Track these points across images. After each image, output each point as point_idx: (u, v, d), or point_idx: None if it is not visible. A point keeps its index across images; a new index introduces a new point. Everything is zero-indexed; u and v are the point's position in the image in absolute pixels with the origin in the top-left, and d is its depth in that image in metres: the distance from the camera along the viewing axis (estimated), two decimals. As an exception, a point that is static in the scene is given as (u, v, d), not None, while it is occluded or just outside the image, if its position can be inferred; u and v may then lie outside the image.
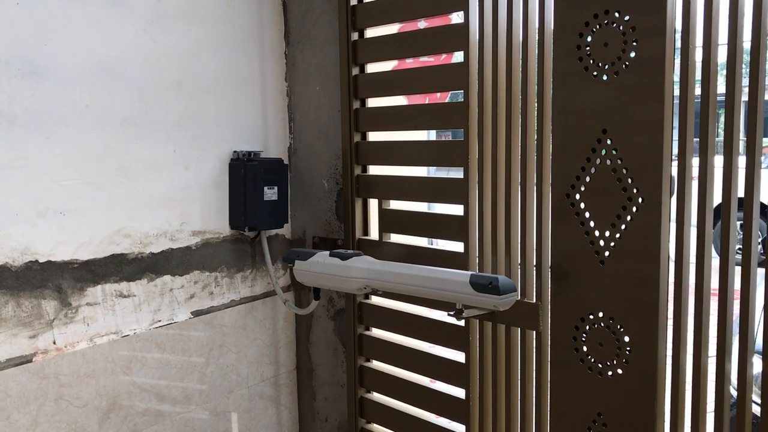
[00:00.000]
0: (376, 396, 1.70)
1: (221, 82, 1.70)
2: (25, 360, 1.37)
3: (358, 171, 1.66)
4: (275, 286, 1.81)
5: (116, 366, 1.52)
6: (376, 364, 1.69)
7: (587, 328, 1.23)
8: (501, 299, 1.16)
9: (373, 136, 1.65)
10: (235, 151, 1.73)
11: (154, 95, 1.56)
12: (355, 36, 1.62)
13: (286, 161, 1.85)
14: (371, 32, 1.62)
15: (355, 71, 1.63)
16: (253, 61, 1.77)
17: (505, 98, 1.31)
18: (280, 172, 1.75)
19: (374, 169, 1.66)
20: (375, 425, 1.71)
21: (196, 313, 1.68)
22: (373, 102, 1.65)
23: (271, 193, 1.73)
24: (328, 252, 1.46)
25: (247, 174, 1.69)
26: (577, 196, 1.22)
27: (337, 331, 1.78)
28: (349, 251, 1.43)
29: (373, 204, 1.67)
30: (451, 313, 1.24)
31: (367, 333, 1.69)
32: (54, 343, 1.41)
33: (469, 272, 1.23)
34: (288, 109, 1.87)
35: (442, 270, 1.28)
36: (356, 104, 1.64)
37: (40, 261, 1.39)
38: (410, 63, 1.64)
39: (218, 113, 1.70)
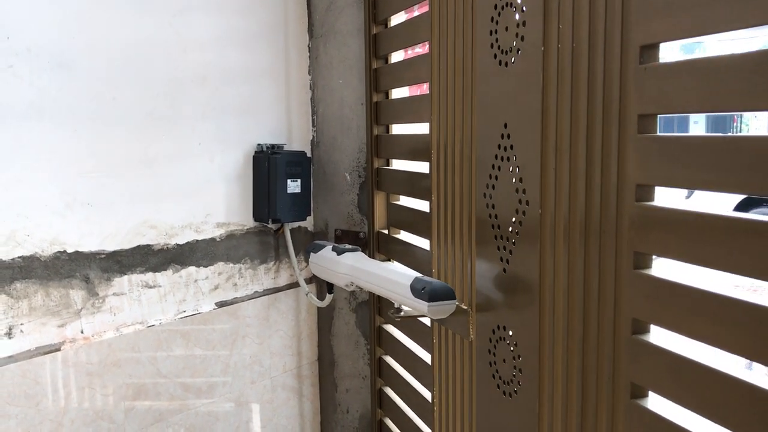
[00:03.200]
0: (388, 390, 1.70)
1: (245, 76, 1.71)
2: (54, 348, 1.39)
3: (378, 164, 1.66)
4: (298, 277, 1.83)
5: (142, 355, 1.54)
6: (387, 358, 1.70)
7: (497, 341, 1.11)
8: (429, 306, 1.10)
9: (397, 129, 1.65)
10: (258, 144, 1.74)
11: (179, 88, 1.58)
12: (375, 28, 1.62)
13: (309, 154, 1.86)
14: (393, 23, 1.61)
15: (376, 64, 1.63)
16: (277, 54, 1.78)
17: (453, 91, 1.23)
18: (303, 164, 1.76)
19: (396, 164, 1.66)
20: (388, 419, 1.71)
21: (220, 304, 1.70)
22: (396, 93, 1.64)
23: (294, 186, 1.74)
24: (331, 246, 1.47)
25: (270, 167, 1.70)
26: (491, 197, 1.11)
27: (358, 323, 1.79)
28: (347, 246, 1.42)
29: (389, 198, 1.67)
30: (392, 311, 1.21)
31: (384, 326, 1.69)
32: (81, 332, 1.44)
33: (415, 275, 1.17)
34: (311, 102, 1.87)
35: (395, 271, 1.23)
36: (376, 97, 1.64)
37: (68, 251, 1.41)
38: (409, 54, 1.63)
39: (242, 106, 1.71)
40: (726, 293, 0.68)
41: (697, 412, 0.72)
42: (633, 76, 0.78)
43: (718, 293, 0.69)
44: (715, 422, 0.70)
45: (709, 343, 0.70)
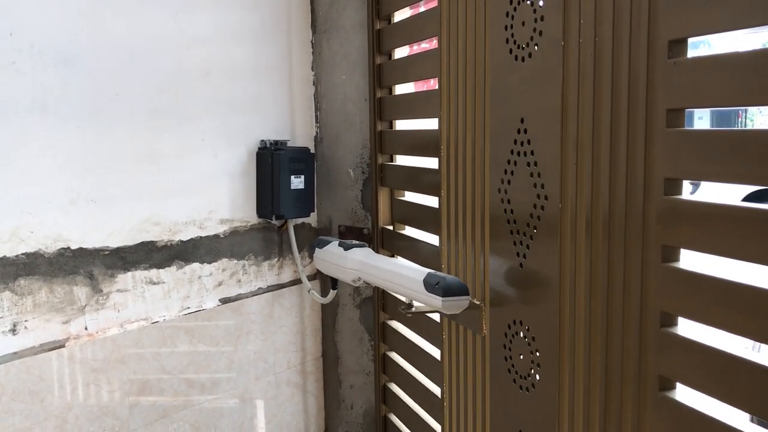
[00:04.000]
0: (393, 385, 1.71)
1: (249, 72, 1.71)
2: (58, 345, 1.39)
3: (382, 160, 1.65)
4: (301, 274, 1.83)
5: (146, 352, 1.54)
6: (392, 354, 1.70)
7: (513, 336, 1.11)
8: (444, 301, 1.09)
9: (400, 125, 1.65)
10: (262, 140, 1.74)
11: (182, 84, 1.57)
12: (379, 24, 1.62)
13: (312, 150, 1.85)
14: (397, 18, 1.61)
15: (379, 59, 1.63)
16: (281, 50, 1.78)
17: (465, 86, 1.22)
18: (306, 161, 1.76)
19: (400, 159, 1.66)
20: (393, 415, 1.72)
21: (224, 301, 1.70)
22: (399, 89, 1.64)
23: (297, 182, 1.73)
24: (338, 241, 1.47)
25: (274, 163, 1.70)
26: (506, 192, 1.10)
27: (362, 319, 1.79)
28: (353, 242, 1.42)
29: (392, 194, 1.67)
30: (402, 307, 1.21)
31: (388, 322, 1.70)
32: (86, 328, 1.43)
33: (428, 270, 1.17)
34: (314, 98, 1.87)
35: (407, 267, 1.23)
36: (380, 93, 1.63)
37: (72, 248, 1.40)
38: (415, 50, 1.63)
39: (246, 102, 1.71)
40: (755, 284, 0.69)
41: (728, 402, 0.73)
42: (661, 70, 0.78)
43: (747, 284, 0.70)
44: (746, 411, 0.70)
45: (738, 334, 0.71)
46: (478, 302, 1.19)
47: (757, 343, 0.70)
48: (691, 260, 0.79)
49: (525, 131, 1.03)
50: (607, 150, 0.87)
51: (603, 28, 0.86)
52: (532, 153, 1.02)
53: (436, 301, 1.10)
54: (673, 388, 0.82)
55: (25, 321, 1.34)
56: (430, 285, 1.12)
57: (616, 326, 0.87)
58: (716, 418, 0.74)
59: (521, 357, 1.08)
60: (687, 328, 0.79)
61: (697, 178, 0.75)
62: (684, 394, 0.80)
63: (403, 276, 1.20)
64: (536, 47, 0.99)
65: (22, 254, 1.33)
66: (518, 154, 1.06)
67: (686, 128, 0.77)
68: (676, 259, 0.80)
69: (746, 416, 0.72)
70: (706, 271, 0.75)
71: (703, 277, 0.76)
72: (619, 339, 0.87)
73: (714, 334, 0.75)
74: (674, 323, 0.81)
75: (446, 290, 1.09)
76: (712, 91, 0.72)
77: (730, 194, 5.68)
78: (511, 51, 1.06)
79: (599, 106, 0.88)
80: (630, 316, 0.85)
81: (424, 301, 1.15)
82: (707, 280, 0.75)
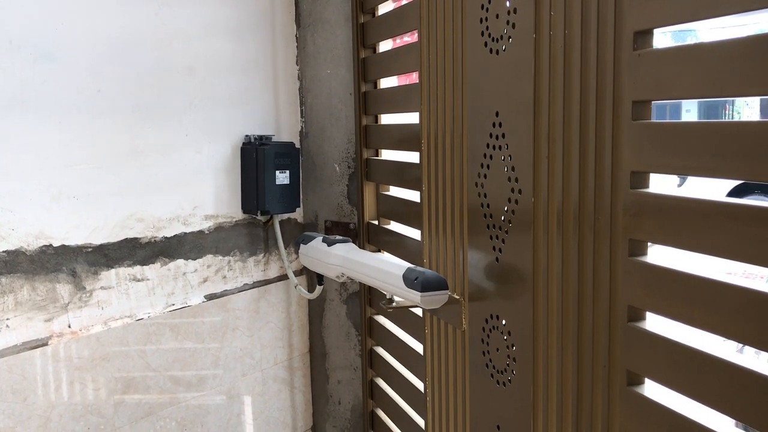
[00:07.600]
0: (380, 381, 1.70)
1: (232, 66, 1.69)
2: (41, 343, 1.38)
3: (367, 155, 1.65)
4: (287, 269, 1.82)
5: (130, 349, 1.53)
6: (378, 349, 1.70)
7: (490, 330, 1.10)
8: (422, 296, 1.09)
9: (386, 119, 1.64)
10: (246, 135, 1.73)
11: (165, 79, 1.56)
12: (363, 17, 1.61)
13: (297, 145, 1.84)
14: (381, 12, 1.60)
15: (364, 53, 1.62)
16: (265, 44, 1.77)
17: (443, 80, 1.20)
18: (291, 156, 1.75)
19: (385, 154, 1.65)
20: (380, 410, 1.71)
21: (210, 297, 1.69)
22: (384, 83, 1.63)
23: (283, 177, 1.72)
24: (322, 237, 1.46)
25: (259, 158, 1.69)
26: (482, 186, 1.09)
27: (349, 314, 1.79)
28: (337, 237, 1.42)
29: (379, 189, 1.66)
30: (383, 302, 1.21)
31: (375, 317, 1.69)
32: (69, 326, 1.43)
33: (407, 265, 1.16)
34: (299, 93, 1.86)
35: (387, 262, 1.22)
36: (365, 87, 1.62)
37: (54, 245, 1.39)
38: (398, 43, 1.62)
39: (230, 97, 1.69)
40: (720, 279, 0.68)
41: (694, 398, 0.72)
42: (627, 62, 0.77)
43: (713, 279, 0.69)
44: (712, 407, 0.70)
45: (704, 329, 0.70)
46: (457, 297, 1.18)
47: (742, 345, 0.69)
48: (667, 255, 0.78)
49: (500, 125, 1.03)
50: (577, 143, 0.86)
51: (572, 20, 0.85)
52: (506, 147, 1.01)
53: (415, 296, 1.10)
54: (642, 383, 0.81)
55: (7, 319, 1.33)
56: (409, 280, 1.11)
57: (587, 320, 0.87)
58: (682, 414, 0.74)
59: (498, 351, 1.08)
60: (665, 325, 0.78)
61: (663, 171, 0.74)
62: (652, 390, 0.80)
63: (383, 271, 1.20)
64: (510, 40, 0.98)
65: (3, 252, 1.32)
66: (494, 147, 1.05)
67: (652, 121, 0.76)
68: (643, 252, 0.79)
69: (719, 416, 0.71)
70: (670, 265, 0.75)
71: (668, 271, 0.75)
72: (590, 334, 0.87)
73: (692, 332, 0.74)
74: (642, 318, 0.80)
75: (425, 285, 1.09)
76: (676, 83, 0.72)
77: (715, 188, 5.70)
78: (486, 44, 1.05)
79: (569, 99, 0.87)
80: (600, 310, 0.85)
81: (403, 296, 1.15)
82: (671, 274, 0.75)
